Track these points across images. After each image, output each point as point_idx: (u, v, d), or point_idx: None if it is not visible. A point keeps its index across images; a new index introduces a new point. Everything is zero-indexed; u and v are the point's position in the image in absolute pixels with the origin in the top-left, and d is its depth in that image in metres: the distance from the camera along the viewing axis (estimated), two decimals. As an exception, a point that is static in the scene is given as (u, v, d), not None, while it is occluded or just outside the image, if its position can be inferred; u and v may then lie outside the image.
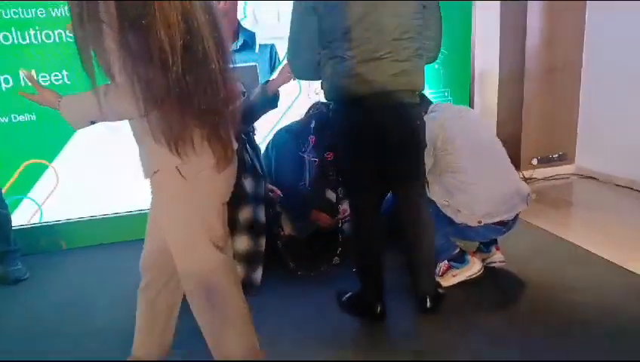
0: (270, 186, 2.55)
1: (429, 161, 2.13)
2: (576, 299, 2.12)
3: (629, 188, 3.65)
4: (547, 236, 2.83)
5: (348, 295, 2.18)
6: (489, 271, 2.35)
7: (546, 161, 4.07)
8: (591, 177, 3.94)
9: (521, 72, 4.03)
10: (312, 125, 2.66)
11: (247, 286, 2.30)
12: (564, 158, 4.12)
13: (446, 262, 2.26)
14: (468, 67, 3.48)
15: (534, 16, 3.84)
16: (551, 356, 1.76)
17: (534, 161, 4.03)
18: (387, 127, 1.84)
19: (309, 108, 2.74)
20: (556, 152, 4.10)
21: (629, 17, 3.49)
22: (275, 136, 2.81)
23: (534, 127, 4.01)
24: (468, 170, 2.12)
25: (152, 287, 1.61)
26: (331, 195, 2.82)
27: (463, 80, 3.46)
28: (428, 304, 2.04)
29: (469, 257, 2.27)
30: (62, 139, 2.92)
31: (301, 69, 1.94)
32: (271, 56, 3.20)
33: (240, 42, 3.13)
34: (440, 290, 2.13)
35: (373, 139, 1.85)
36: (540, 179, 4.02)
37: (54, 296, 2.47)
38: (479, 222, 2.11)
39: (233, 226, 2.31)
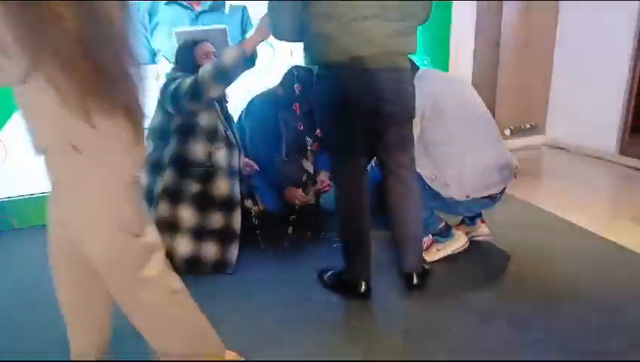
0: (246, 160, 2.35)
1: (415, 131, 1.98)
2: (562, 271, 2.06)
3: (597, 157, 3.67)
4: (525, 206, 2.78)
5: (330, 273, 2.04)
6: (472, 244, 2.26)
7: (518, 132, 4.03)
8: (561, 148, 3.93)
9: (497, 45, 3.94)
10: (292, 92, 2.45)
11: (221, 265, 2.13)
12: (535, 129, 4.09)
13: (430, 236, 2.15)
14: (447, 36, 3.32)
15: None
16: (541, 332, 1.69)
17: (507, 132, 3.97)
18: (378, 93, 1.66)
19: (286, 73, 2.52)
20: (528, 123, 4.06)
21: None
22: (249, 104, 2.59)
23: (508, 98, 3.94)
24: (457, 142, 1.98)
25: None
26: (308, 166, 2.65)
27: (442, 49, 3.30)
28: (415, 281, 1.93)
29: (454, 231, 2.16)
30: (7, 110, 2.59)
31: (282, 29, 1.73)
32: (242, 20, 2.94)
33: (209, 3, 2.86)
34: (425, 266, 2.02)
35: (362, 105, 1.67)
36: (512, 150, 3.97)
37: (3, 278, 2.24)
38: (467, 196, 2.00)
39: (206, 202, 2.11)
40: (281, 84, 2.53)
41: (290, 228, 2.42)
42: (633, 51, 3.37)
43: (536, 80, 4.00)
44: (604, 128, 3.61)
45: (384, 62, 1.64)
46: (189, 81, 2.02)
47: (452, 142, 1.99)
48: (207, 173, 2.11)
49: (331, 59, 1.64)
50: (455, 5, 3.34)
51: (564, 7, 3.81)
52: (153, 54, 2.87)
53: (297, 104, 2.45)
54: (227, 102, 2.30)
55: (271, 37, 1.86)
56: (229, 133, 2.20)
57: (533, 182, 3.31)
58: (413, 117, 1.82)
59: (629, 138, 3.54)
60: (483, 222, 2.28)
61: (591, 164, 3.62)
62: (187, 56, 2.22)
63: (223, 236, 2.14)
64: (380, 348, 1.66)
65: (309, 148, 2.63)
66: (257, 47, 1.94)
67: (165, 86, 2.13)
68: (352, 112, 1.69)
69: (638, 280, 1.99)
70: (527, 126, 4.05)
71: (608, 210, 2.87)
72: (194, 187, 2.10)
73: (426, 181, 2.03)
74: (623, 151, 3.53)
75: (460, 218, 2.33)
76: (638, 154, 3.46)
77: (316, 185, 2.59)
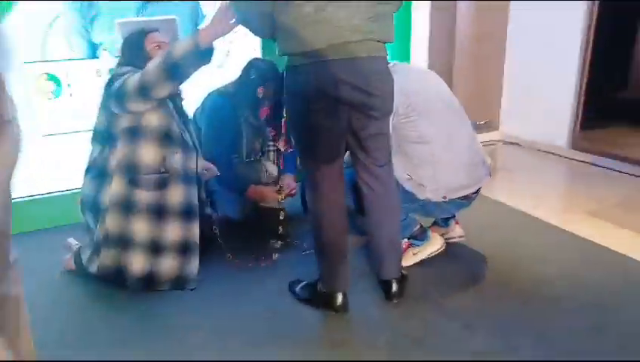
0: (205, 163, 2.11)
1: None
2: (540, 271, 1.98)
3: (549, 152, 3.70)
4: (487, 202, 2.70)
5: (302, 284, 1.86)
6: (446, 246, 2.14)
7: (473, 128, 4.00)
8: (515, 143, 3.94)
9: (452, 40, 3.90)
10: (251, 87, 2.23)
11: (181, 280, 1.90)
12: (490, 125, 4.09)
13: (406, 240, 2.01)
14: (408, 33, 3.21)
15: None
16: (526, 336, 1.60)
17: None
18: (360, 83, 1.48)
19: (245, 67, 2.29)
20: (482, 120, 4.04)
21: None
22: (205, 100, 2.34)
23: (462, 95, 3.88)
24: (432, 140, 1.85)
25: None
26: (272, 168, 2.45)
27: (403, 43, 3.19)
28: (393, 289, 1.78)
29: (430, 233, 2.04)
30: None
31: (254, 24, 1.52)
32: (194, 11, 2.67)
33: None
34: (403, 271, 1.87)
35: (343, 97, 1.49)
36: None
37: None
38: (444, 197, 1.87)
39: (161, 212, 1.86)
40: (240, 78, 2.30)
41: (277, 241, 2.20)
42: (582, 48, 3.41)
43: (489, 77, 4.00)
44: (556, 123, 3.65)
45: (364, 50, 1.47)
46: (135, 77, 1.75)
47: (426, 139, 1.85)
48: (161, 180, 1.86)
49: (306, 48, 1.44)
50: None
51: (515, 4, 3.81)
52: (94, 48, 2.55)
53: (260, 101, 2.23)
54: (182, 99, 2.05)
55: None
56: (185, 134, 1.95)
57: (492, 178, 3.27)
58: (392, 111, 1.66)
59: (580, 133, 3.59)
60: (457, 223, 2.17)
61: (544, 158, 3.65)
62: (135, 49, 1.93)
63: (182, 249, 1.90)
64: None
65: (271, 148, 2.42)
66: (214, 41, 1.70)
67: (108, 83, 1.85)
68: (331, 106, 1.50)
69: (615, 277, 1.95)
70: (482, 122, 4.04)
71: (565, 202, 2.87)
72: (146, 196, 1.84)
73: (400, 182, 1.88)
74: (575, 145, 3.58)
75: (433, 219, 2.21)
76: (588, 148, 3.52)
77: (282, 188, 2.38)
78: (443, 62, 3.79)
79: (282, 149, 2.21)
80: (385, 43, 1.54)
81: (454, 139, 1.90)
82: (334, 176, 1.62)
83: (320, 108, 1.50)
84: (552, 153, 3.68)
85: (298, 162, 2.39)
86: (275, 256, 2.09)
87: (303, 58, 1.47)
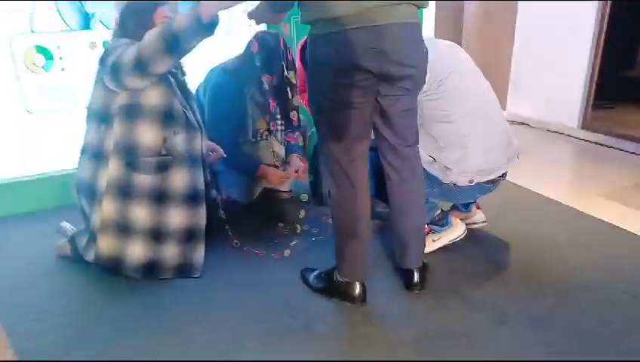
0: (211, 144, 1.92)
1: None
2: (566, 258, 1.84)
3: (559, 132, 3.55)
4: (503, 185, 2.55)
5: (315, 273, 1.70)
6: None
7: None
8: (523, 123, 3.78)
9: (459, 18, 3.70)
10: (257, 61, 2.03)
11: (186, 268, 1.74)
12: (497, 105, 3.92)
13: (426, 225, 1.85)
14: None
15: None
16: (559, 331, 1.46)
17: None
18: (388, 54, 1.30)
19: (250, 40, 2.09)
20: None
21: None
22: (208, 75, 2.14)
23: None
24: (460, 119, 1.67)
25: None
26: (279, 148, 2.26)
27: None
28: (415, 279, 1.64)
29: (451, 219, 1.87)
30: None
31: None
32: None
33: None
34: (424, 260, 1.72)
35: (368, 70, 1.31)
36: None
37: None
38: (471, 181, 1.70)
39: (163, 198, 1.69)
40: (245, 52, 2.10)
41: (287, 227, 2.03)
42: (596, 26, 3.22)
43: (496, 56, 3.81)
44: (566, 103, 3.48)
45: (396, 16, 1.28)
46: (131, 50, 1.55)
47: (454, 118, 1.67)
48: (162, 162, 1.67)
49: (332, 14, 1.25)
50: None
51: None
52: (87, 19, 2.33)
53: (267, 76, 2.04)
54: (184, 74, 1.85)
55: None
56: (189, 112, 1.75)
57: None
58: (424, 83, 1.48)
59: (590, 113, 3.43)
60: (478, 208, 2.01)
61: (554, 139, 3.49)
62: (141, 21, 1.68)
63: (187, 236, 1.73)
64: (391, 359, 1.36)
65: (279, 127, 2.24)
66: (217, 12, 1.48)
67: (103, 57, 1.65)
68: (359, 79, 1.32)
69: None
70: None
71: (580, 187, 2.72)
72: (146, 180, 1.66)
73: (423, 165, 1.71)
74: (585, 126, 3.43)
75: (451, 203, 2.05)
76: (598, 128, 3.36)
77: (289, 170, 2.20)
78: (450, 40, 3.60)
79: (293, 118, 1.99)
80: (419, 8, 1.34)
81: (485, 119, 1.72)
82: (359, 157, 1.45)
83: (347, 82, 1.31)
84: (562, 133, 3.53)
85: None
86: (287, 252, 1.90)
87: (329, 25, 1.28)
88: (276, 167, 2.19)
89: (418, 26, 1.38)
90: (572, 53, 3.38)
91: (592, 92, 3.37)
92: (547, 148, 3.34)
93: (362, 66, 1.30)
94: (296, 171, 2.18)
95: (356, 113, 1.38)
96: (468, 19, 3.81)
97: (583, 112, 3.42)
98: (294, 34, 2.67)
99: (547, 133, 3.59)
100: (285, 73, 2.02)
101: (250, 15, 1.52)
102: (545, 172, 2.80)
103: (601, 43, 3.25)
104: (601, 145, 3.29)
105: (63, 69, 2.31)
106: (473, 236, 1.97)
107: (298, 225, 2.00)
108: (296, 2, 1.36)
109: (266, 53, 2.01)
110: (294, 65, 2.07)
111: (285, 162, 2.23)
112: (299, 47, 2.22)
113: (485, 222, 2.01)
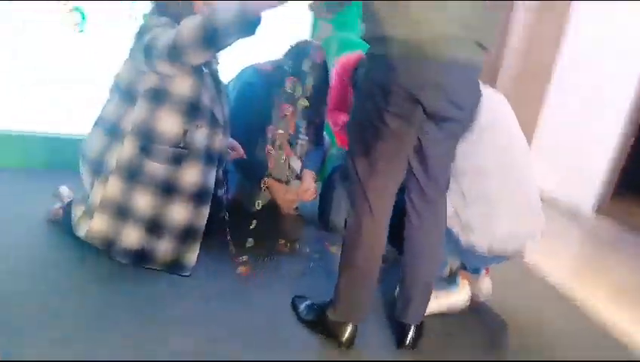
0: (232, 142, 1.80)
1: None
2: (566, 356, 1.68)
3: (572, 214, 3.41)
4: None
5: (307, 303, 1.57)
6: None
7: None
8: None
9: (494, 77, 3.64)
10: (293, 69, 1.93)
11: (176, 266, 1.61)
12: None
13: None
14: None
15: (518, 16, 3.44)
16: None
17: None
18: (448, 94, 1.21)
19: (291, 47, 1.99)
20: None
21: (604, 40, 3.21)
22: (241, 72, 2.04)
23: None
24: (495, 176, 1.56)
25: None
26: (296, 164, 2.15)
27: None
28: (409, 336, 1.49)
29: (459, 279, 1.73)
30: None
31: None
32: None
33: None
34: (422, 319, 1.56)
35: (422, 104, 1.21)
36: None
37: None
38: (490, 247, 1.56)
39: (170, 191, 1.57)
40: (283, 59, 2.01)
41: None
42: (633, 107, 3.11)
43: (522, 122, 3.71)
44: (584, 185, 3.36)
45: (466, 52, 1.19)
46: (168, 35, 1.45)
47: (488, 173, 1.56)
48: (179, 155, 1.57)
49: (399, 36, 1.15)
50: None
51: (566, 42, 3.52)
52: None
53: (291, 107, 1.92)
54: (218, 63, 1.74)
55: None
56: (217, 107, 1.65)
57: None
58: (468, 130, 1.38)
59: (609, 199, 3.31)
60: (487, 271, 1.85)
61: (568, 220, 3.34)
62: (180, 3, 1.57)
63: (185, 233, 1.61)
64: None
65: (300, 141, 2.13)
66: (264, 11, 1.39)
67: (139, 34, 1.54)
68: (409, 111, 1.22)
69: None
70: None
71: (592, 279, 2.54)
72: (158, 169, 1.55)
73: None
74: (602, 211, 3.30)
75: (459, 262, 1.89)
76: (616, 216, 3.24)
77: (300, 186, 2.08)
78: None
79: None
80: (485, 50, 1.24)
81: (517, 179, 1.60)
82: (387, 194, 1.34)
83: (396, 111, 1.21)
84: (575, 215, 3.39)
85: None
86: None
87: (393, 46, 1.18)
88: (287, 182, 2.07)
89: (479, 72, 1.28)
90: (600, 135, 3.27)
91: (616, 178, 3.26)
92: (560, 229, 3.17)
93: (417, 99, 1.20)
94: (308, 194, 2.06)
95: (396, 145, 1.27)
96: (502, 80, 3.75)
97: (600, 197, 3.29)
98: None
99: (561, 213, 3.43)
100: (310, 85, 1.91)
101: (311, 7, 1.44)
102: (556, 254, 2.64)
103: (637, 125, 3.13)
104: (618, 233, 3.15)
105: (94, 34, 2.25)
106: (472, 307, 1.77)
107: (297, 245, 1.88)
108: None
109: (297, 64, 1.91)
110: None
111: (298, 176, 2.12)
112: (339, 64, 2.13)
113: (490, 294, 1.84)
